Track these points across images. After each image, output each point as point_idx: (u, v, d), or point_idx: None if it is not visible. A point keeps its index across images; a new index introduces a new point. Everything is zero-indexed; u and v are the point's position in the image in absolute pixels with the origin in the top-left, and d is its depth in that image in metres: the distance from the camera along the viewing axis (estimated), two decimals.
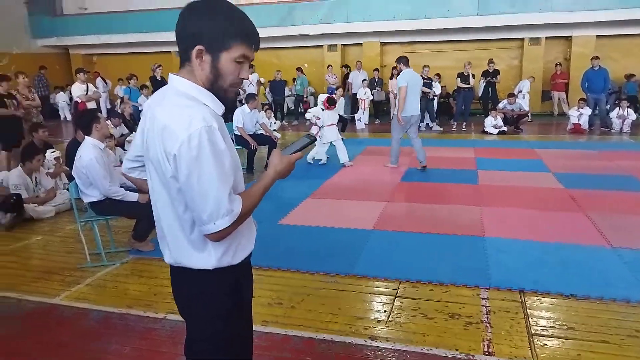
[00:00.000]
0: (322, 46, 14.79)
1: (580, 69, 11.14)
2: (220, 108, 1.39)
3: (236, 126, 7.23)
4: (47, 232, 4.84)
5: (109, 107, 14.09)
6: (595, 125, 10.69)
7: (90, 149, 3.85)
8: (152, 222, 4.66)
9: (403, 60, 6.82)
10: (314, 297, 3.24)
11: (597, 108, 10.68)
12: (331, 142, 7.41)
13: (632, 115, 10.36)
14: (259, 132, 7.77)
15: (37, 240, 4.63)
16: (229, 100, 1.40)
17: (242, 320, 1.54)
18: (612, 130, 10.25)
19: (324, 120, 7.44)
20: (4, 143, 7.05)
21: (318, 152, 7.54)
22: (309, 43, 14.70)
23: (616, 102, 10.82)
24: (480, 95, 12.10)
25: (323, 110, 7.51)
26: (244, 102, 7.87)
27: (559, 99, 12.80)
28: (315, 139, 1.19)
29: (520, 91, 11.89)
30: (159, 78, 10.43)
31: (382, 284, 3.41)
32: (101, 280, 3.64)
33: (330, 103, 7.41)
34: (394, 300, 3.16)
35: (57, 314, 3.16)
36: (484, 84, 11.74)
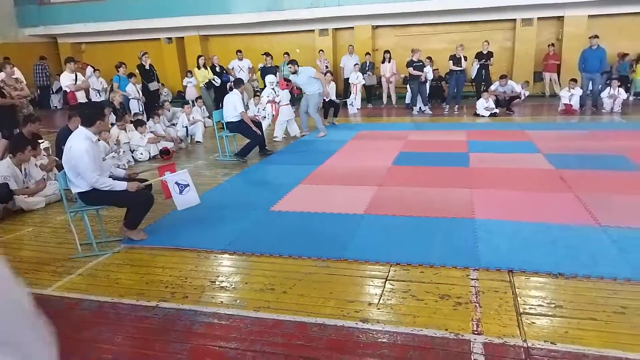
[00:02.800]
0: (313, 31, 14.63)
1: (573, 49, 11.08)
2: None
3: (240, 112, 7.11)
4: (38, 223, 4.83)
5: (98, 97, 13.93)
6: (586, 106, 10.68)
7: (82, 140, 3.78)
8: (144, 210, 4.55)
9: (296, 63, 8.64)
10: (305, 282, 3.26)
11: (593, 87, 10.59)
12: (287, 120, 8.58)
13: (623, 95, 10.38)
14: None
15: (28, 231, 4.62)
16: None
17: None
18: (602, 110, 10.27)
19: (282, 98, 8.57)
20: (5, 131, 7.06)
21: (275, 131, 8.58)
22: (299, 28, 14.52)
23: (607, 82, 10.79)
24: (473, 77, 12.05)
25: (274, 90, 8.57)
26: (233, 87, 7.77)
27: (550, 79, 12.78)
28: None
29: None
30: (147, 66, 10.28)
31: (373, 268, 3.43)
32: (93, 270, 3.64)
33: (287, 82, 8.91)
34: (385, 283, 3.19)
35: (49, 304, 3.16)
36: (478, 66, 11.68)
